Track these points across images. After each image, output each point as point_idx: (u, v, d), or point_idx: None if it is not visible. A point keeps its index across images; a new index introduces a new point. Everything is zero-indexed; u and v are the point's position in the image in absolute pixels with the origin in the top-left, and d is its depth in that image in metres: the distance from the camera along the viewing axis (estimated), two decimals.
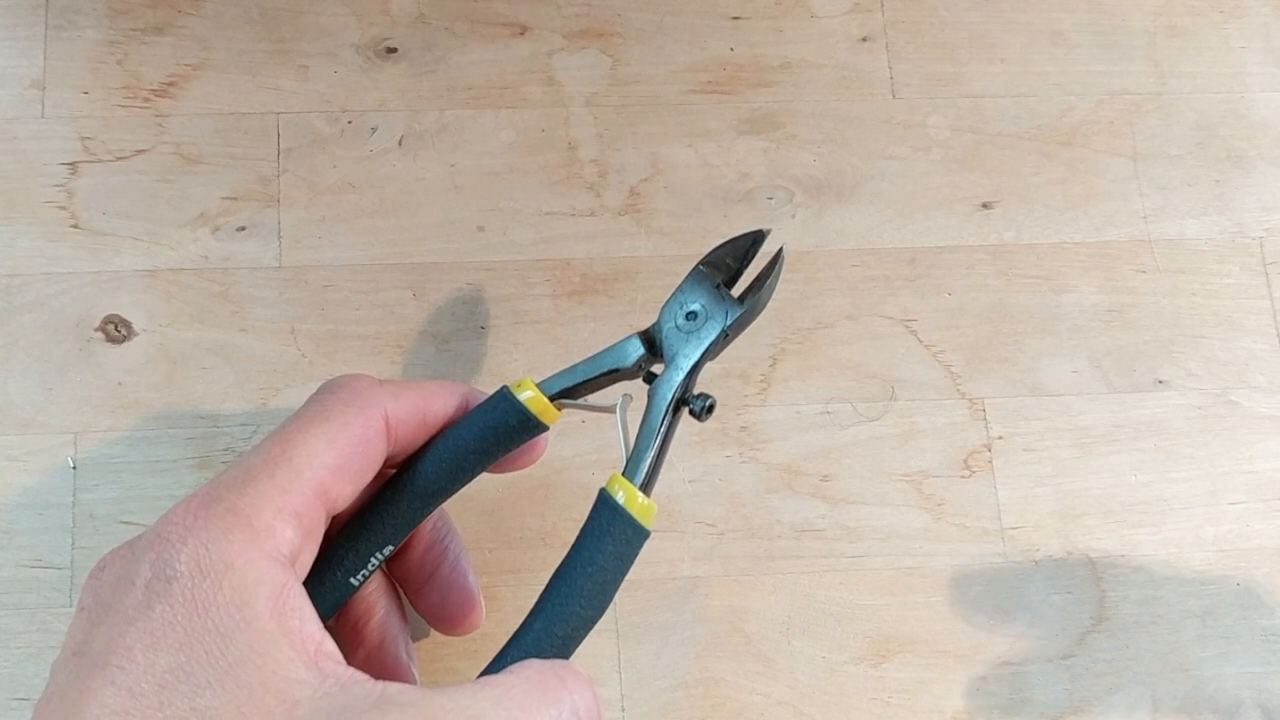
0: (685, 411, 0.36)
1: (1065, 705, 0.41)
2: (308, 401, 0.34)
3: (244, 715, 0.27)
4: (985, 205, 0.46)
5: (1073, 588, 0.43)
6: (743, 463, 0.43)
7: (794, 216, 0.46)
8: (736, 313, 0.36)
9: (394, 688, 0.28)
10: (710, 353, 0.36)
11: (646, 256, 0.45)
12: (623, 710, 0.40)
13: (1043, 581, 0.43)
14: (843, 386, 0.44)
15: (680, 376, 0.36)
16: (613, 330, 0.44)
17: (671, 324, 0.37)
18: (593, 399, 0.37)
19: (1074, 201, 0.47)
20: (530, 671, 0.30)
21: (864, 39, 0.48)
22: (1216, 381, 0.45)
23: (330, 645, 0.29)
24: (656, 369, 0.36)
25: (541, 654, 0.32)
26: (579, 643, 0.33)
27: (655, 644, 0.41)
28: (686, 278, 0.37)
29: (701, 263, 0.38)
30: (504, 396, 0.36)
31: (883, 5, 0.48)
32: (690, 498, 0.43)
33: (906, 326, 0.45)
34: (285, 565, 0.30)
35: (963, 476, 0.44)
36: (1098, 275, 0.46)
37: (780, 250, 0.38)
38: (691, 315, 0.37)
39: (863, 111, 0.47)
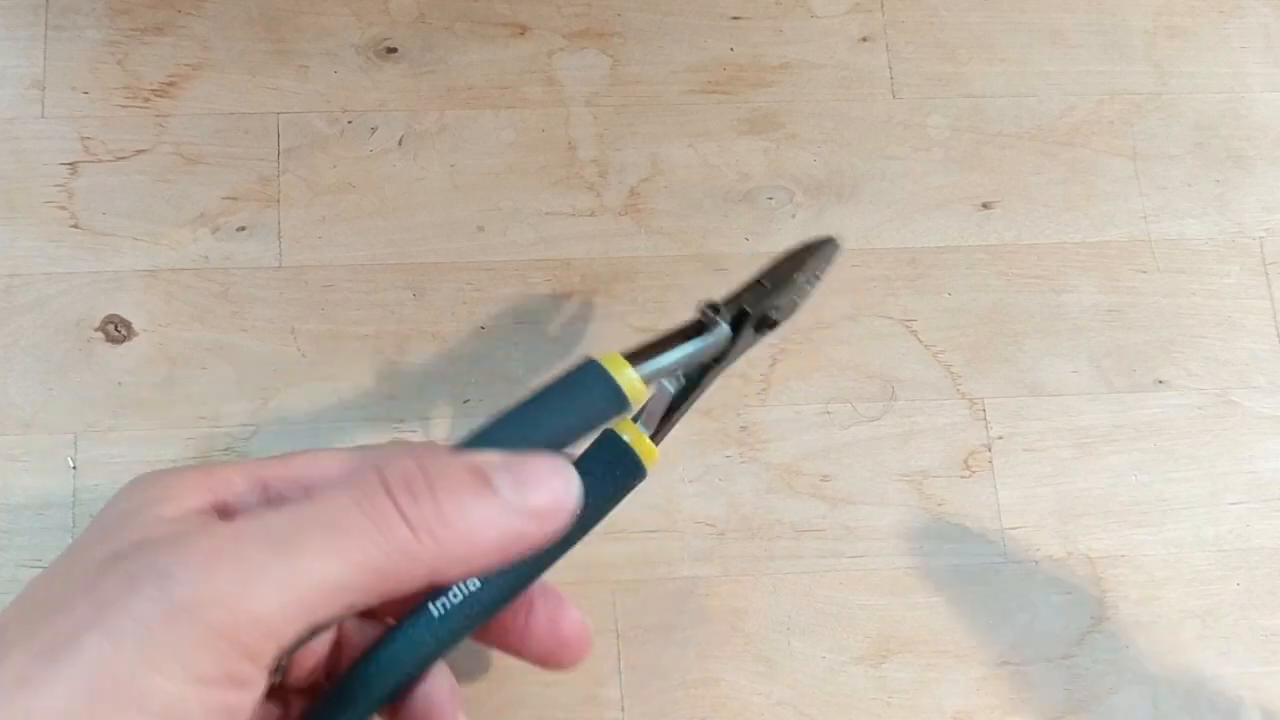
0: (747, 330, 0.33)
1: (1065, 705, 0.41)
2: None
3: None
4: (985, 205, 0.46)
5: (1073, 588, 0.43)
6: (743, 463, 0.43)
7: (794, 216, 0.46)
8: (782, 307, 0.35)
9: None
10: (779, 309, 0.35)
11: (646, 256, 0.45)
12: (623, 710, 0.40)
13: (1043, 581, 0.43)
14: (843, 386, 0.44)
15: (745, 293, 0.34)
16: (613, 330, 0.44)
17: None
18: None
19: (1074, 201, 0.47)
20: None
21: (864, 39, 0.48)
22: (1216, 381, 0.45)
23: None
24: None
25: None
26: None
27: (656, 644, 0.41)
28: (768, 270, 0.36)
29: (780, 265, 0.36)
30: (611, 437, 0.32)
31: (883, 5, 0.48)
32: (690, 498, 0.42)
33: (906, 326, 0.45)
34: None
35: (963, 476, 0.44)
36: (1098, 275, 0.46)
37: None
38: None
39: (863, 111, 0.47)
